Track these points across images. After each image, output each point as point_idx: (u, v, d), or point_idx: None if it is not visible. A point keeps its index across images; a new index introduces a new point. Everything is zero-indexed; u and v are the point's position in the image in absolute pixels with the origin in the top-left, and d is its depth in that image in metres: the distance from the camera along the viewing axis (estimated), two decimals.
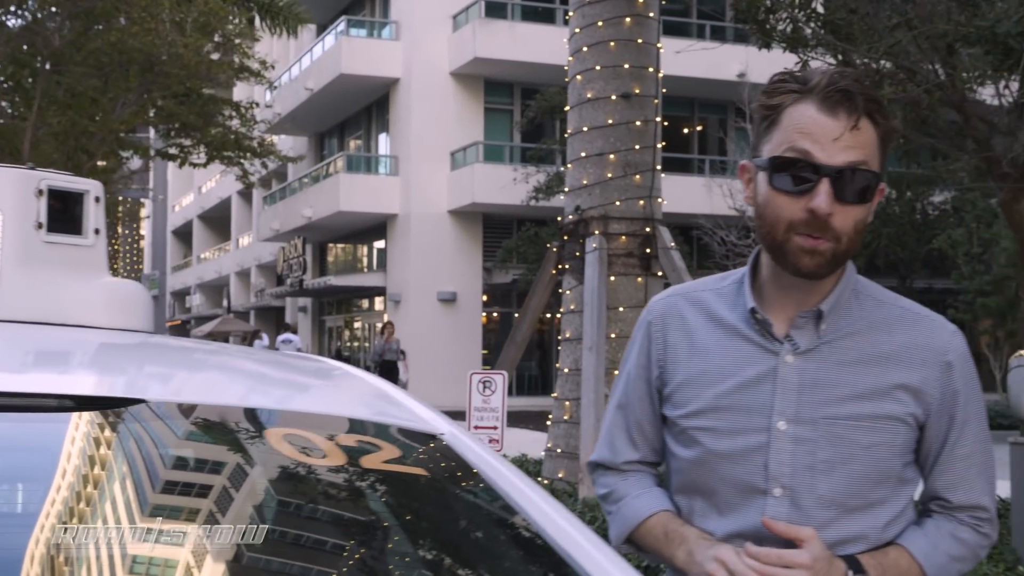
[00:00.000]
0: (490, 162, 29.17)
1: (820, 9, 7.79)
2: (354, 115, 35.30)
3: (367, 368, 28.05)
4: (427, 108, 30.06)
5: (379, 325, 33.76)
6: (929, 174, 23.60)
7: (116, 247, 34.21)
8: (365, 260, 35.60)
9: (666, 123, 10.46)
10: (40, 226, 2.44)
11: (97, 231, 2.54)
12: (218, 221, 53.89)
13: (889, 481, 1.87)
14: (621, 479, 2.05)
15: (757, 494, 1.85)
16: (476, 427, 5.39)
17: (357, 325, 37.22)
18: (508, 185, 27.59)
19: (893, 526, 1.89)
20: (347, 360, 35.31)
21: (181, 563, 1.24)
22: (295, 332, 30.38)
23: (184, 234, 60.58)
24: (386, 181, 31.16)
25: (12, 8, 16.94)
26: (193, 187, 55.45)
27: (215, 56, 19.29)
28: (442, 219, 30.21)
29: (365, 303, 35.45)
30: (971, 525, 1.94)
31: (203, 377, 1.86)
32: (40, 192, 2.44)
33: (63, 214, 2.49)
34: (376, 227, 32.55)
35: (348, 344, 37.65)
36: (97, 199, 2.55)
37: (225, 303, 47.80)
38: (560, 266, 9.35)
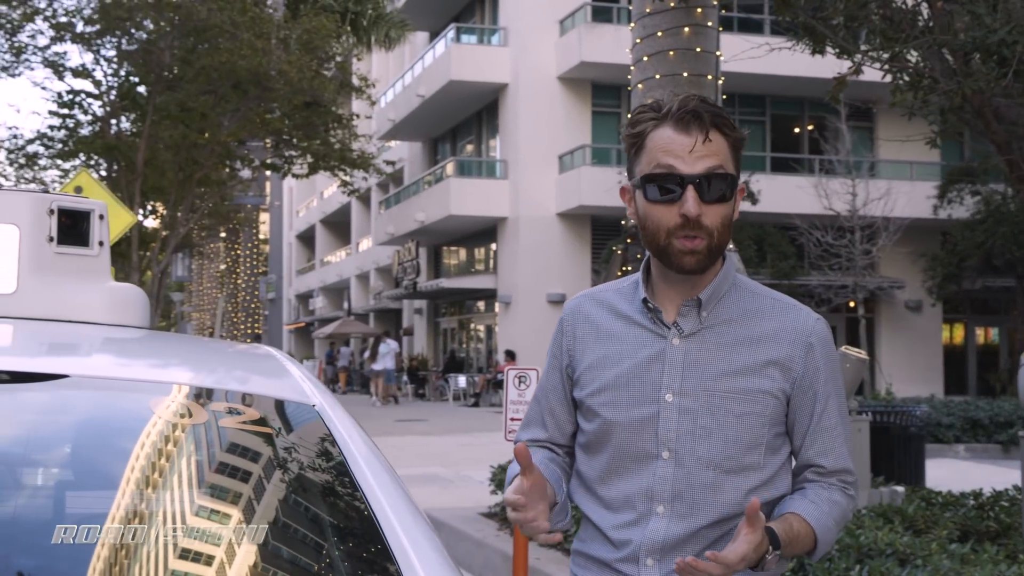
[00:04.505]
0: (597, 165, 29.47)
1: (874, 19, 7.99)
2: (465, 120, 36.00)
3: None
4: (535, 112, 30.55)
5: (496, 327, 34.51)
6: None
7: (237, 251, 35.51)
8: (477, 263, 36.20)
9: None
10: (51, 239, 2.93)
11: (101, 243, 3.03)
12: (339, 225, 55.18)
13: (759, 447, 2.22)
14: None
15: (649, 458, 2.20)
16: (512, 419, 5.78)
17: (472, 326, 37.82)
18: (615, 187, 27.61)
19: (763, 490, 2.22)
20: (460, 362, 36.00)
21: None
22: (391, 338, 33.28)
23: (307, 238, 62.04)
24: (496, 185, 31.74)
25: (131, 31, 17.93)
26: (315, 192, 56.80)
27: (322, 71, 20.03)
28: (551, 222, 30.65)
29: (480, 305, 36.04)
30: (841, 488, 2.29)
31: (139, 358, 2.33)
32: (51, 211, 2.94)
33: (72, 229, 2.98)
34: (487, 230, 33.16)
35: (463, 345, 38.25)
36: (101, 216, 3.04)
37: (345, 305, 49.05)
38: (625, 268, 9.70)
